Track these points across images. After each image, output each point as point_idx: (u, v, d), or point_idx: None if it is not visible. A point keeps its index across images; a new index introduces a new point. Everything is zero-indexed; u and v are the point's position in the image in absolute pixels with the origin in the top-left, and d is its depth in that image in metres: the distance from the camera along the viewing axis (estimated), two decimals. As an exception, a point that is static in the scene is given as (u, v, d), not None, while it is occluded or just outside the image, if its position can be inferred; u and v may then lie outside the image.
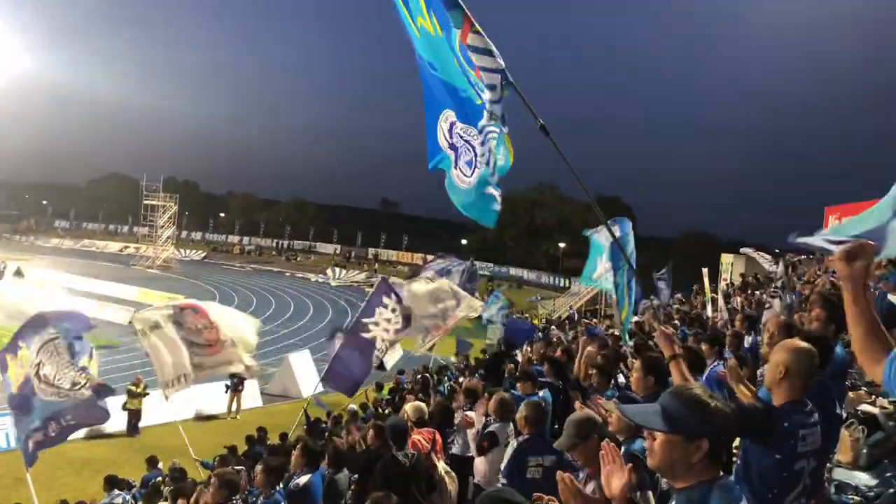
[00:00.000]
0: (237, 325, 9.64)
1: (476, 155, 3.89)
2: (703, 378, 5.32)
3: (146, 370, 19.74)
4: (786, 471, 2.77)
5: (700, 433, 1.93)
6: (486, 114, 3.61)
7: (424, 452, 5.72)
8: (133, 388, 17.08)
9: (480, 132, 3.76)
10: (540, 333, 22.57)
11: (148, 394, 16.95)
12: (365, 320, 8.44)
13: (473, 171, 3.92)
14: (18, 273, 42.20)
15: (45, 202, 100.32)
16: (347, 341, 8.67)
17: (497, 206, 3.95)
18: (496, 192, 3.94)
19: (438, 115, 4.16)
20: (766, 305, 11.24)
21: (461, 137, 3.99)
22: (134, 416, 16.97)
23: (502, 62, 3.51)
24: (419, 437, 5.97)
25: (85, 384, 8.17)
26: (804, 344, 3.05)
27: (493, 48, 3.50)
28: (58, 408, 8.15)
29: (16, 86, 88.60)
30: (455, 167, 4.09)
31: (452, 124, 4.07)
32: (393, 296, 8.53)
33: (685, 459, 1.94)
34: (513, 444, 4.62)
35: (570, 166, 3.60)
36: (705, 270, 14.74)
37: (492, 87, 3.51)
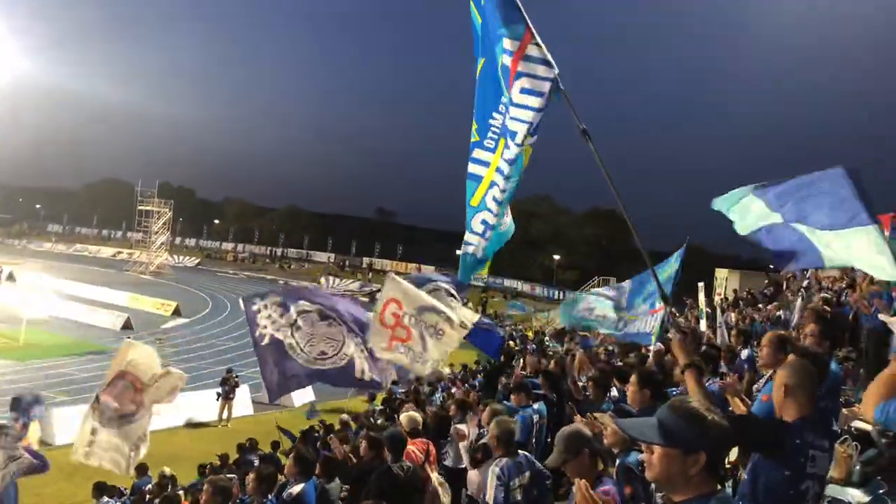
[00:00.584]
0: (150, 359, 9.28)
1: None
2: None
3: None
4: (792, 488, 2.77)
5: (697, 446, 1.93)
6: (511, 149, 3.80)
7: (418, 463, 5.70)
8: None
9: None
10: (533, 345, 22.58)
11: None
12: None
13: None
14: (11, 277, 41.97)
15: (38, 206, 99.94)
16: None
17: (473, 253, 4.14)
18: (470, 237, 4.14)
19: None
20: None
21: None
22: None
23: (556, 70, 3.68)
24: (413, 447, 5.95)
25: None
26: (803, 362, 3.09)
27: (551, 58, 3.69)
28: None
29: (10, 89, 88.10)
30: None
31: None
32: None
33: (683, 473, 1.94)
34: (493, 469, 4.53)
35: (610, 178, 3.62)
36: (701, 285, 14.79)
37: (539, 94, 3.66)
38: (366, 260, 75.32)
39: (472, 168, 4.08)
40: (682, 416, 1.99)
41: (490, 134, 4.04)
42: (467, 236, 4.18)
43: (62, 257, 67.94)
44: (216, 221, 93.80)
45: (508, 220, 4.29)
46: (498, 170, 3.99)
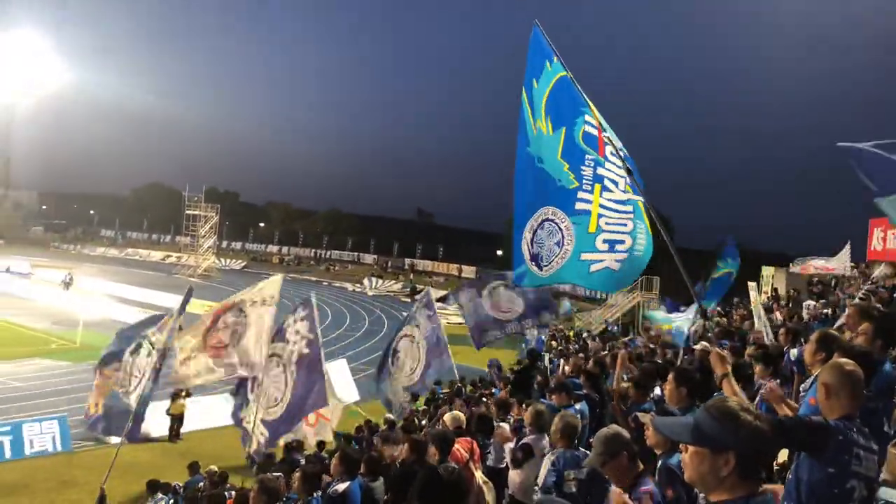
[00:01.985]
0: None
1: (563, 236, 4.87)
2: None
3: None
4: (836, 487, 2.71)
5: (726, 446, 1.91)
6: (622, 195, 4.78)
7: (462, 461, 5.74)
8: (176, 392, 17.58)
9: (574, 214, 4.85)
10: (576, 347, 22.40)
11: (191, 394, 17.48)
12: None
13: (563, 249, 4.87)
14: (70, 281, 43.54)
15: (92, 212, 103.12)
16: None
17: (602, 266, 4.80)
18: (597, 256, 4.79)
19: (525, 225, 5.08)
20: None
21: (553, 223, 4.96)
22: (177, 420, 17.35)
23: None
24: (458, 445, 5.99)
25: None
26: (843, 361, 3.05)
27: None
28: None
29: (61, 100, 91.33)
30: (540, 269, 5.02)
31: (542, 222, 5.01)
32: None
33: (714, 473, 1.92)
34: (549, 457, 4.61)
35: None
36: (752, 284, 14.52)
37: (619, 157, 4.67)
38: (407, 261, 75.54)
39: (579, 206, 4.84)
40: (714, 414, 1.97)
41: (584, 182, 4.84)
42: (593, 255, 4.84)
43: (114, 261, 69.99)
44: (261, 225, 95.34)
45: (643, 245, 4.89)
46: (600, 206, 4.82)
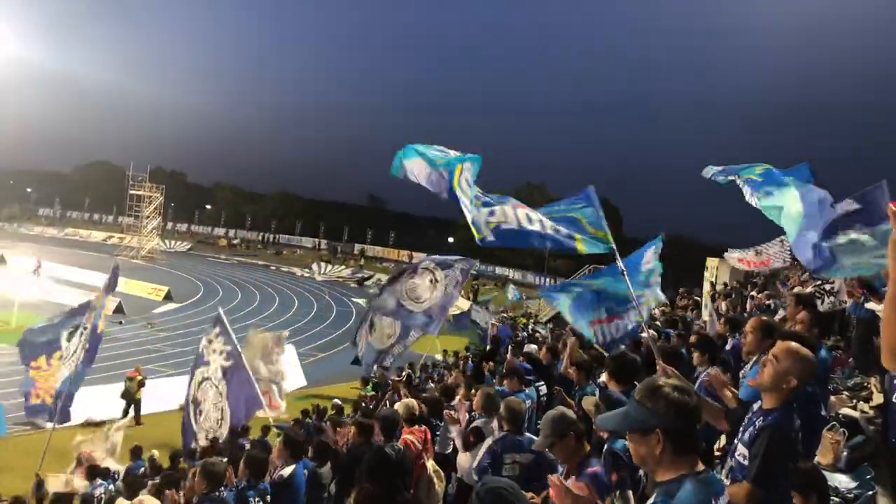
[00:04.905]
0: None
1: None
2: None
3: (142, 358, 19.99)
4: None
5: (650, 426, 1.91)
6: None
7: (416, 453, 5.72)
8: (133, 377, 17.51)
9: None
10: (524, 334, 22.67)
11: (145, 384, 17.42)
12: None
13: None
14: (1, 260, 41.89)
15: (29, 189, 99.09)
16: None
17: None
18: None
19: None
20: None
21: None
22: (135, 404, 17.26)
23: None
24: (411, 437, 5.94)
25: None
26: (811, 355, 3.03)
27: None
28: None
29: (2, 71, 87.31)
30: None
31: None
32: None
33: (651, 454, 1.92)
34: (487, 441, 4.59)
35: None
36: (707, 274, 14.97)
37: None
38: (357, 246, 75.10)
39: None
40: (637, 397, 1.98)
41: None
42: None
43: (53, 241, 67.50)
44: (207, 207, 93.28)
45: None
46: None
